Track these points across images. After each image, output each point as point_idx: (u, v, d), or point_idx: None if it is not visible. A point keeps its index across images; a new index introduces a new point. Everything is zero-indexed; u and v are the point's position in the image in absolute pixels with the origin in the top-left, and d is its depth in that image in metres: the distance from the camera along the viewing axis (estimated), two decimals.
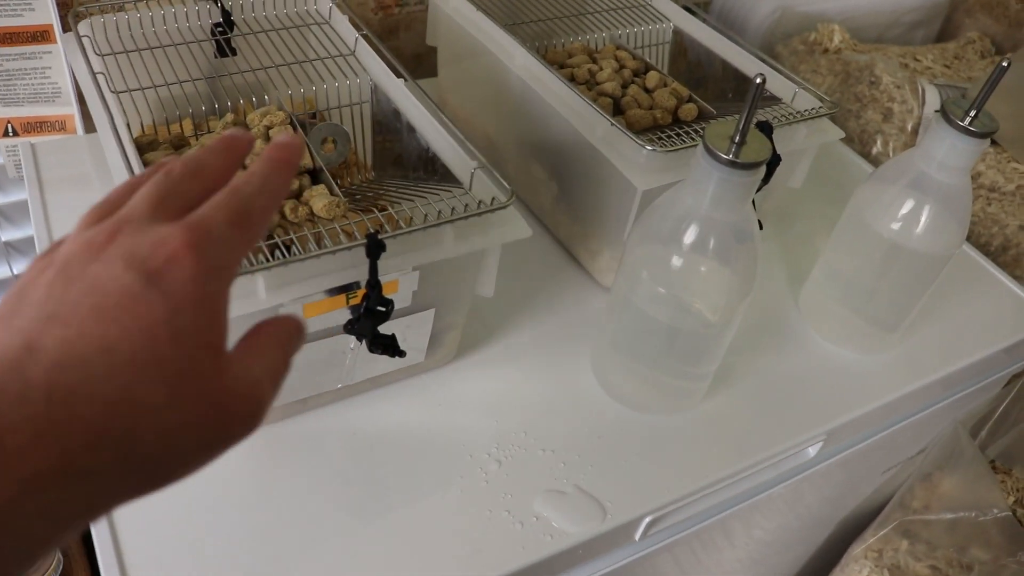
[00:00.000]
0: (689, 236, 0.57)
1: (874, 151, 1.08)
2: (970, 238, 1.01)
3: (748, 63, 0.81)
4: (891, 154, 1.07)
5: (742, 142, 0.53)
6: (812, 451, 0.72)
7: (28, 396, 0.25)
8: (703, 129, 0.56)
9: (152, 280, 0.28)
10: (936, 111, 0.66)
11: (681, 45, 0.87)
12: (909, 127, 1.06)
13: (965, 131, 0.64)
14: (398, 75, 0.71)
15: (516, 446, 0.64)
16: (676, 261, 0.59)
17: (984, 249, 1.00)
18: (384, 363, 0.64)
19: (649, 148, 0.64)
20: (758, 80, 0.51)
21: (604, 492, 0.62)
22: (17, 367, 0.26)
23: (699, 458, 0.66)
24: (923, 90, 1.06)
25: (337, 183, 0.76)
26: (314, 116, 0.74)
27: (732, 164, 0.53)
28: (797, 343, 0.77)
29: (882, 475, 0.91)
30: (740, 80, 0.81)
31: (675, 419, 0.68)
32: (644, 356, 0.65)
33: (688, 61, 0.86)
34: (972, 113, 0.64)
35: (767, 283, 0.82)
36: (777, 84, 0.78)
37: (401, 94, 0.69)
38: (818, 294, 0.78)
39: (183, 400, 0.28)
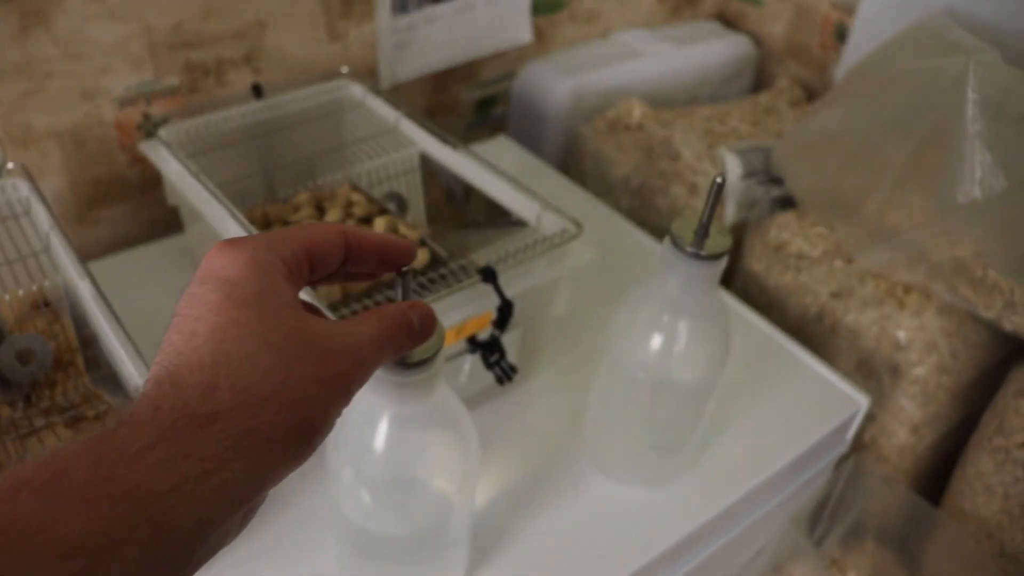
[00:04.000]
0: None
1: None
2: (787, 311, 0.97)
3: (491, 186, 0.75)
4: None
5: (704, 235, 0.59)
6: None
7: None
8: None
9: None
10: (666, 237, 0.61)
11: (431, 170, 0.81)
12: None
13: (695, 256, 0.59)
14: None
15: None
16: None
17: (802, 320, 0.96)
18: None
19: None
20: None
21: None
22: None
23: None
24: (723, 159, 1.02)
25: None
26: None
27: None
28: (583, 489, 0.70)
29: None
30: (488, 204, 0.75)
31: None
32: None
33: (438, 186, 0.81)
34: (701, 235, 0.60)
35: (547, 421, 0.76)
36: (521, 206, 0.73)
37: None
38: (597, 430, 0.72)
39: (272, 345, 0.31)
